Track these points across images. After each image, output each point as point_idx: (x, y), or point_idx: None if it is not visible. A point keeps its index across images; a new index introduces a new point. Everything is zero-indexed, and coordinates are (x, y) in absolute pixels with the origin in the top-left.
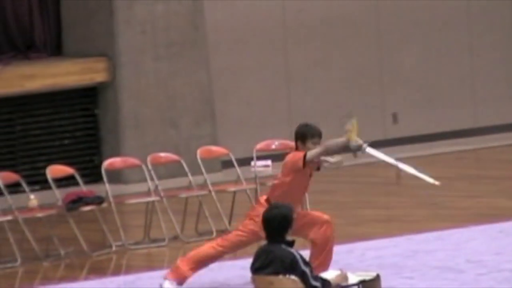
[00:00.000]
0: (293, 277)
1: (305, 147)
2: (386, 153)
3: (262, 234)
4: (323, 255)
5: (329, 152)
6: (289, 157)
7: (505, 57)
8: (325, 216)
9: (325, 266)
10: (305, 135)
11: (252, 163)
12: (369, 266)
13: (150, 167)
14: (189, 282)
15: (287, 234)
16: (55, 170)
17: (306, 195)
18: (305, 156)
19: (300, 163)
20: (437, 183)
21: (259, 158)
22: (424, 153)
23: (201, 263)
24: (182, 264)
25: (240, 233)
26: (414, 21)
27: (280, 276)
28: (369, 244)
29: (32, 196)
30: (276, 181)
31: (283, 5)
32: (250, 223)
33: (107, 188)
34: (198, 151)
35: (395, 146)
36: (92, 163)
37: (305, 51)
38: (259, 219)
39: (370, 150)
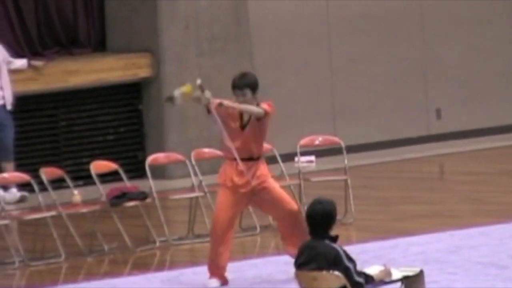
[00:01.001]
0: (336, 272)
1: (253, 98)
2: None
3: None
4: (295, 231)
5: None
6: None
7: None
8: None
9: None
10: (258, 86)
11: (296, 158)
12: (412, 261)
13: (194, 162)
14: (231, 279)
15: (331, 230)
16: (99, 166)
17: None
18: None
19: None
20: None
21: (303, 153)
22: (467, 148)
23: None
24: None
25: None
26: (457, 16)
27: (324, 272)
28: (413, 239)
29: (76, 192)
30: None
31: None
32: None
33: (151, 184)
34: None
35: (439, 142)
36: (136, 159)
37: (349, 46)
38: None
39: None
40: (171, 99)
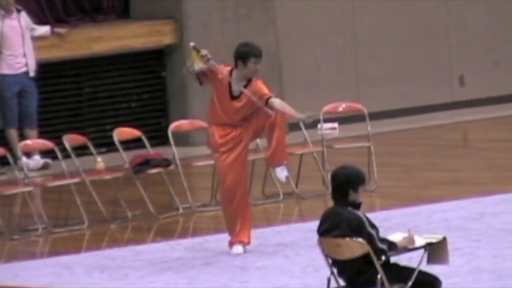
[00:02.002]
0: (360, 239)
1: (246, 67)
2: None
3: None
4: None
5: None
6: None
7: None
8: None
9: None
10: (246, 54)
11: (319, 125)
12: (436, 228)
13: None
14: (255, 245)
15: (350, 196)
16: (122, 133)
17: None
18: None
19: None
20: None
21: (326, 120)
22: (491, 115)
23: None
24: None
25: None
26: None
27: (347, 239)
28: (436, 206)
29: (99, 159)
30: None
31: None
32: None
33: (174, 151)
34: None
35: (462, 109)
36: (159, 126)
37: (372, 13)
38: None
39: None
40: (191, 72)
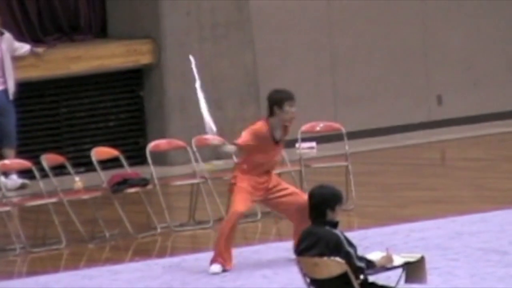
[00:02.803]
0: (338, 259)
1: (282, 111)
2: (430, 135)
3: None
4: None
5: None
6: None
7: None
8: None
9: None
10: (281, 100)
11: (297, 145)
12: (413, 247)
13: (195, 149)
14: (234, 265)
15: (328, 215)
16: (100, 152)
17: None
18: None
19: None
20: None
21: (304, 140)
22: (468, 134)
23: None
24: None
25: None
26: (459, 2)
27: (325, 258)
28: (414, 225)
29: (77, 178)
30: None
31: None
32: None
33: (152, 170)
34: None
35: (440, 128)
36: (137, 145)
37: (350, 32)
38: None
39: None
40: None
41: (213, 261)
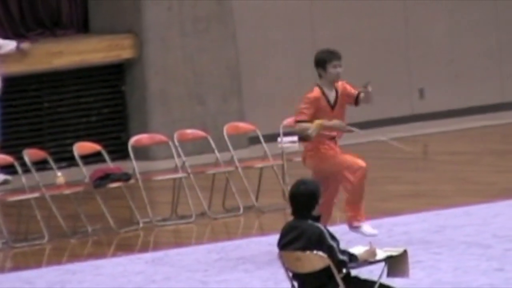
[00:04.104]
0: (320, 253)
1: (326, 73)
2: (413, 129)
3: None
4: (355, 200)
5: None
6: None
7: None
8: (360, 162)
9: (357, 211)
10: (324, 60)
11: (279, 139)
12: (396, 241)
13: (177, 143)
14: (216, 259)
15: (314, 210)
16: (82, 147)
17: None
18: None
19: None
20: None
21: (286, 134)
22: (450, 128)
23: None
24: None
25: None
26: None
27: (308, 252)
28: (397, 219)
29: (59, 173)
30: None
31: None
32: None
33: (134, 165)
34: (225, 127)
35: (422, 122)
36: (119, 140)
37: (332, 26)
38: None
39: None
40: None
41: (362, 221)
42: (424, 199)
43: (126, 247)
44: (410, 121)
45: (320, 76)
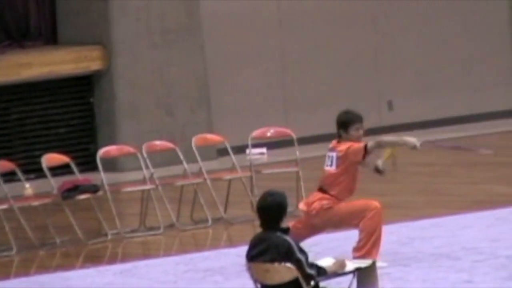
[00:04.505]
0: (288, 264)
1: (348, 135)
2: None
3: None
4: (370, 243)
5: (382, 145)
6: (346, 150)
7: (501, 44)
8: (374, 203)
9: (372, 254)
10: (347, 122)
11: (247, 151)
12: None
13: (145, 155)
14: (184, 271)
15: (282, 222)
16: (50, 159)
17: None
18: (365, 148)
19: (361, 156)
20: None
21: (255, 146)
22: (420, 140)
23: None
24: None
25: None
26: (410, 7)
27: (276, 264)
28: None
29: (27, 185)
30: (331, 172)
31: None
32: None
33: (102, 177)
34: (194, 139)
35: (391, 133)
36: (88, 152)
37: (301, 38)
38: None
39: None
40: (379, 171)
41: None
42: (393, 211)
43: (95, 259)
44: (379, 132)
45: (339, 136)
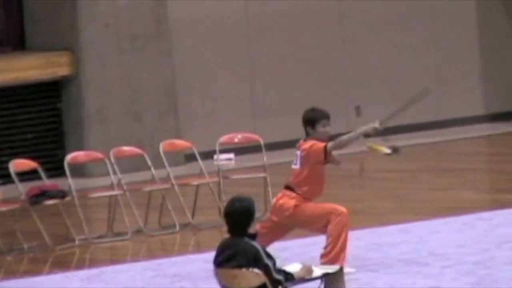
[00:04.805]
0: (256, 270)
1: (315, 131)
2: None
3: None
4: (337, 249)
5: (342, 145)
6: (308, 148)
7: (467, 50)
8: (341, 208)
9: (339, 260)
10: (313, 119)
11: (215, 156)
12: None
13: (113, 160)
14: (152, 276)
15: (250, 227)
16: (18, 164)
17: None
18: (325, 148)
19: (321, 156)
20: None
21: (222, 151)
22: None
23: None
24: None
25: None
26: (377, 14)
27: (244, 270)
28: None
29: None
30: (296, 171)
31: None
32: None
33: (70, 182)
34: (162, 145)
35: (359, 139)
36: (56, 157)
37: (269, 44)
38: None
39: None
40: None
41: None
42: (361, 217)
43: (62, 264)
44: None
45: (307, 133)
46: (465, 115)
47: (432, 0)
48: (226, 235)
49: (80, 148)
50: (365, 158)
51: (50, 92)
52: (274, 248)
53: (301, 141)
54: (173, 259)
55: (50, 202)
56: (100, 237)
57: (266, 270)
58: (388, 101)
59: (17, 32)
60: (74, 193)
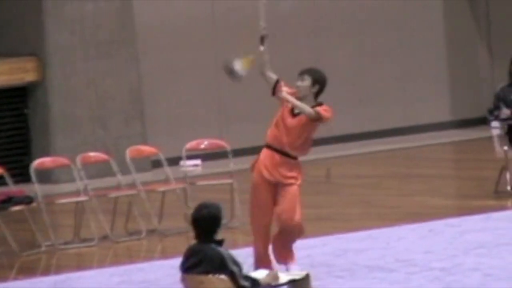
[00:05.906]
0: (222, 276)
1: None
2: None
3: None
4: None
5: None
6: None
7: (435, 57)
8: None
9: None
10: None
11: (182, 162)
12: (299, 264)
13: (79, 166)
14: (118, 282)
15: (217, 234)
16: None
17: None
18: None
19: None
20: None
21: (189, 157)
22: (354, 151)
23: None
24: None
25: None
26: (346, 20)
27: (210, 276)
28: (300, 243)
29: None
30: None
31: (212, 3)
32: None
33: (36, 188)
34: (128, 151)
35: (325, 145)
36: (22, 163)
37: (236, 49)
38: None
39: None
40: (231, 72)
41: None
42: (327, 223)
43: (28, 271)
44: (313, 144)
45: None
46: (432, 121)
47: (400, 6)
48: (193, 241)
49: (46, 154)
50: (332, 163)
51: (17, 98)
52: (241, 254)
53: None
54: (140, 265)
55: (16, 208)
56: (67, 243)
57: (232, 276)
58: (355, 107)
59: None
60: (41, 199)
